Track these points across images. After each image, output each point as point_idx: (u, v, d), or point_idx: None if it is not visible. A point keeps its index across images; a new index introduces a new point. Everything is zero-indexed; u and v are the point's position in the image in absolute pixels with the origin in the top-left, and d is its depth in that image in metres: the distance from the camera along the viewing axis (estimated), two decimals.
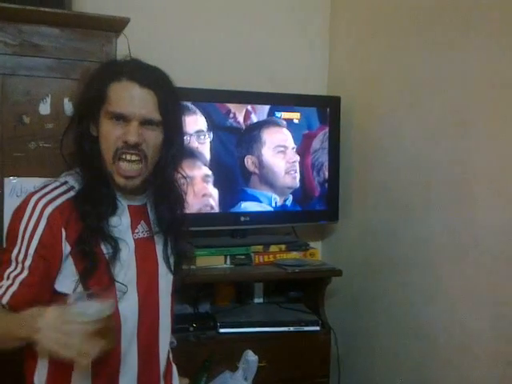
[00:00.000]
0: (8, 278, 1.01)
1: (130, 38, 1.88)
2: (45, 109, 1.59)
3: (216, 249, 2.08)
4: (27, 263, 1.02)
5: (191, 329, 1.95)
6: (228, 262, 2.11)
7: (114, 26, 1.62)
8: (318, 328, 2.07)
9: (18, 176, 1.57)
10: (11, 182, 1.57)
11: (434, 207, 1.80)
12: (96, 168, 1.08)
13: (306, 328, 2.06)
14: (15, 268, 1.02)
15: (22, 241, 1.02)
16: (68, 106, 1.61)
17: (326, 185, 2.25)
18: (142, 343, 1.11)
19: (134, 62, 1.12)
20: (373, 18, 2.17)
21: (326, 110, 2.24)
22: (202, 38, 2.25)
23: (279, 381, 2.02)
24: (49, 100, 1.59)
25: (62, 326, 0.87)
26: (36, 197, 1.05)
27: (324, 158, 2.24)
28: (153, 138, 1.07)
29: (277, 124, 2.17)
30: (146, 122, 1.05)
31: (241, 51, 2.32)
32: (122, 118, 1.04)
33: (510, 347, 1.50)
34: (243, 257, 2.13)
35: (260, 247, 2.18)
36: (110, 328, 0.92)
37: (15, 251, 1.02)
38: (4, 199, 1.56)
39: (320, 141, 2.24)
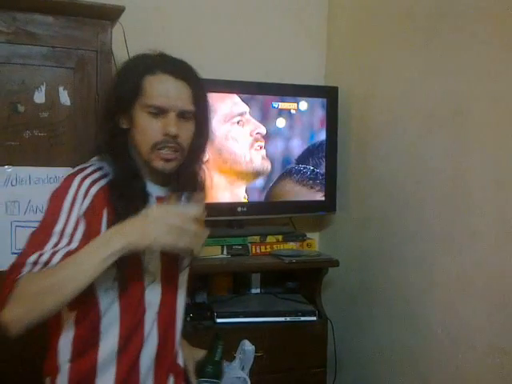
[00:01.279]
0: (53, 248, 1.01)
1: (126, 27, 1.88)
2: (39, 97, 1.58)
3: (213, 239, 2.07)
4: (77, 236, 1.03)
5: (188, 319, 1.95)
6: (225, 252, 2.11)
7: (109, 14, 1.60)
8: (314, 318, 2.07)
9: (13, 165, 1.56)
10: (6, 170, 1.56)
11: (430, 198, 1.80)
12: (127, 160, 1.11)
13: (303, 318, 2.06)
14: (59, 241, 1.02)
15: (69, 216, 1.04)
16: (63, 95, 1.60)
17: (324, 176, 2.25)
18: (161, 324, 1.17)
19: (163, 55, 1.14)
20: (371, 7, 2.15)
21: (324, 100, 2.22)
22: (199, 27, 2.24)
23: (276, 370, 2.02)
24: (43, 89, 1.58)
25: (172, 219, 0.95)
26: (79, 177, 1.08)
27: (322, 149, 2.23)
28: (187, 129, 1.10)
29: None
30: (181, 114, 1.08)
31: (238, 42, 2.30)
32: (159, 111, 1.07)
33: (506, 337, 1.51)
34: (240, 247, 2.13)
35: (257, 238, 2.18)
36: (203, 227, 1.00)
37: (59, 226, 1.03)
38: None
39: (317, 131, 2.23)
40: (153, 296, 1.15)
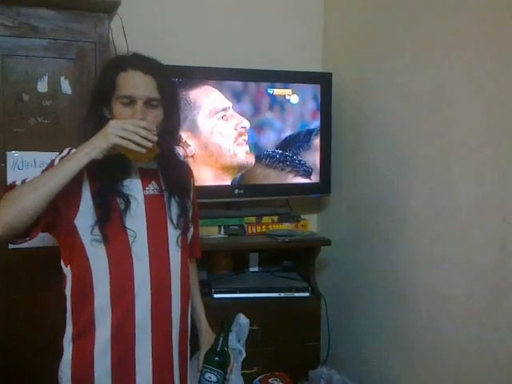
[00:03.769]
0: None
1: (125, 19, 1.97)
2: (42, 87, 1.69)
3: (211, 219, 2.18)
4: None
5: None
6: (222, 232, 2.21)
7: (105, 7, 1.70)
8: (307, 294, 2.17)
9: (19, 150, 1.68)
10: (13, 155, 1.68)
11: (416, 181, 1.87)
12: None
13: (297, 294, 2.16)
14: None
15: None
16: (64, 84, 1.71)
17: (319, 158, 2.32)
18: (154, 280, 1.31)
19: (134, 54, 1.35)
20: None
21: (318, 86, 2.29)
22: (195, 16, 2.32)
23: (271, 343, 2.12)
24: (46, 79, 1.69)
25: (126, 124, 1.19)
26: (68, 148, 1.32)
27: (316, 133, 2.31)
28: (155, 114, 1.29)
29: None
30: (148, 101, 1.27)
31: (234, 29, 2.37)
32: (129, 99, 1.27)
33: (481, 311, 1.59)
34: (237, 227, 2.23)
35: (253, 218, 2.28)
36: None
37: (48, 170, 1.24)
38: (7, 172, 1.68)
39: (312, 117, 2.30)
40: (139, 250, 1.30)
